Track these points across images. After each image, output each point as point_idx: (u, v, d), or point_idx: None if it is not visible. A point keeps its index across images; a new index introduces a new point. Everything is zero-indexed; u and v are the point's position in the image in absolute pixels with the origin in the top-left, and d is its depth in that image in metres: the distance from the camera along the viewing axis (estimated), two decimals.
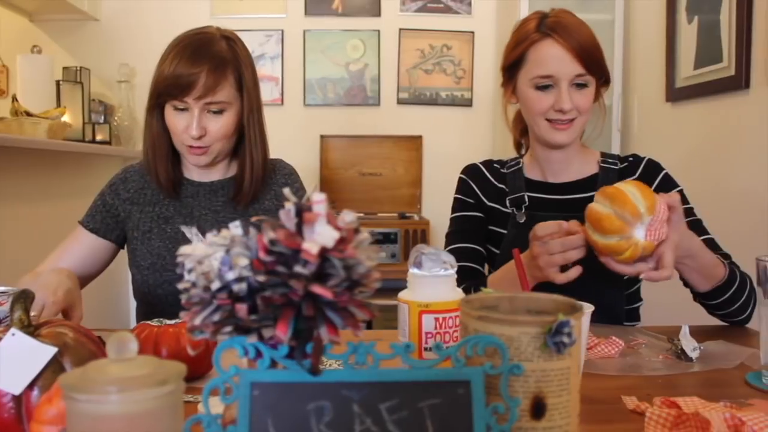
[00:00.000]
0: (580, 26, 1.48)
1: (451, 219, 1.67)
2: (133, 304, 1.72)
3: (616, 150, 3.41)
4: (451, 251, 1.59)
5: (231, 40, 1.58)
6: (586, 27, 1.49)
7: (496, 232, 1.61)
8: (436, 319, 0.88)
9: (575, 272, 1.25)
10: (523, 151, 1.71)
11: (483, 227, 1.63)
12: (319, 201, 0.56)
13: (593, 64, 1.47)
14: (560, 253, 1.24)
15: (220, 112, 1.52)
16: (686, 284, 1.41)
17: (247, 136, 1.59)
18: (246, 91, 1.56)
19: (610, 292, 1.47)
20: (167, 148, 1.60)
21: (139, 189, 1.65)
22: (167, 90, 1.50)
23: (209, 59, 1.49)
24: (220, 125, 1.52)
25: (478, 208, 1.64)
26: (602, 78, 1.53)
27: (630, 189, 1.18)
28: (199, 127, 1.50)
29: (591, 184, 1.57)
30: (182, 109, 1.51)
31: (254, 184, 1.61)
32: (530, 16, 1.54)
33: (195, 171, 1.66)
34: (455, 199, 1.68)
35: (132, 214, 1.62)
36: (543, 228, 1.27)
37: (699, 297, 1.42)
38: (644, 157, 1.60)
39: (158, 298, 1.60)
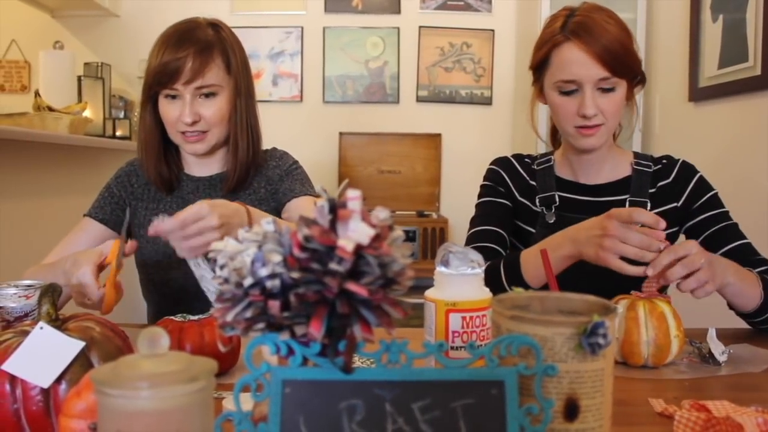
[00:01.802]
0: (607, 26, 1.41)
1: (478, 204, 1.63)
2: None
3: (636, 150, 3.38)
4: (475, 233, 1.56)
5: (217, 26, 1.57)
6: (614, 25, 1.42)
7: (523, 229, 1.58)
8: (463, 318, 0.88)
9: (639, 270, 1.18)
10: (556, 146, 1.67)
11: (509, 216, 1.59)
12: (354, 198, 0.55)
13: (619, 66, 1.40)
14: (636, 248, 1.18)
15: (212, 95, 1.51)
16: (731, 307, 1.38)
17: (232, 122, 1.57)
18: (234, 74, 1.55)
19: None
20: (158, 143, 1.59)
21: (143, 185, 1.64)
22: (157, 79, 1.49)
23: (194, 43, 1.49)
24: (213, 109, 1.52)
25: (508, 198, 1.60)
26: (635, 78, 1.47)
27: (674, 335, 1.15)
28: (191, 113, 1.49)
29: (624, 186, 1.54)
30: (174, 97, 1.51)
31: (239, 170, 1.58)
32: (559, 12, 1.49)
33: (195, 165, 1.64)
34: (483, 186, 1.65)
35: (137, 211, 1.61)
36: (639, 213, 1.20)
37: (747, 318, 1.39)
38: (678, 159, 1.56)
39: (164, 295, 1.60)
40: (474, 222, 1.60)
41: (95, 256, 1.21)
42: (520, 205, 1.59)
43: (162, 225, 1.16)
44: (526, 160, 1.65)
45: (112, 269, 1.20)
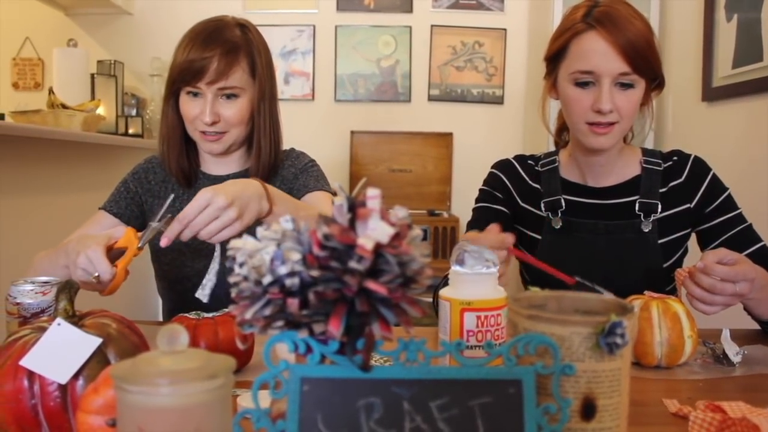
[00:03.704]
0: (632, 19, 1.35)
1: (474, 209, 1.59)
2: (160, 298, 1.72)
3: None
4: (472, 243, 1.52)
5: (245, 27, 1.57)
6: (640, 21, 1.36)
7: (528, 236, 1.53)
8: (478, 317, 0.88)
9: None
10: (561, 145, 1.62)
11: (506, 223, 1.53)
12: (373, 196, 0.55)
13: (641, 62, 1.34)
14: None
15: (233, 96, 1.51)
16: (748, 312, 1.35)
17: (256, 124, 1.57)
18: (258, 77, 1.54)
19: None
20: (180, 138, 1.59)
21: (160, 181, 1.64)
22: (181, 76, 1.49)
23: (221, 44, 1.48)
24: (234, 111, 1.51)
25: (507, 205, 1.56)
26: (655, 80, 1.42)
27: (688, 337, 1.14)
28: (212, 113, 1.49)
29: (634, 187, 1.49)
30: (195, 95, 1.51)
31: (261, 172, 1.58)
32: (581, 3, 1.43)
33: (212, 164, 1.64)
34: (481, 190, 1.60)
35: (154, 208, 1.61)
36: (482, 239, 1.13)
37: (763, 324, 1.36)
38: (690, 155, 1.51)
39: (178, 293, 1.60)
40: (468, 227, 1.57)
41: (105, 238, 1.21)
42: (522, 211, 1.54)
43: (169, 232, 1.17)
44: (530, 162, 1.59)
45: (130, 253, 1.20)
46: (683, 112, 3.25)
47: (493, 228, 1.14)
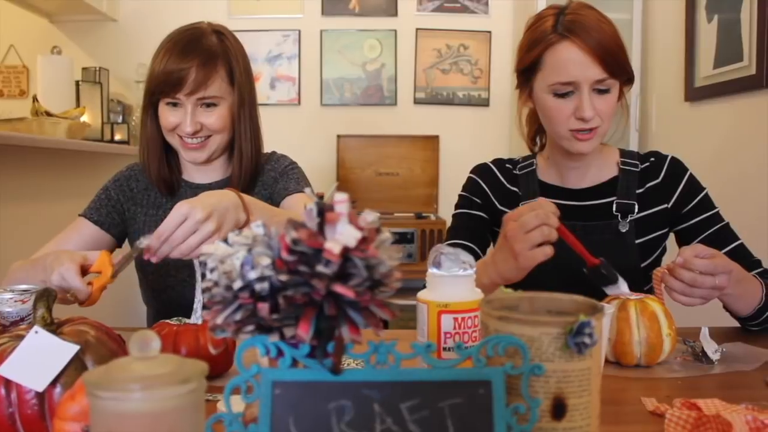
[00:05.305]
0: (601, 23, 1.36)
1: (454, 215, 1.60)
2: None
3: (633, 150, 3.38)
4: (449, 246, 1.52)
5: (221, 34, 1.55)
6: (607, 23, 1.37)
7: None
8: (455, 319, 0.88)
9: (549, 250, 1.16)
10: (536, 149, 1.63)
11: (484, 228, 1.56)
12: (341, 201, 0.56)
13: (616, 66, 1.35)
14: (537, 228, 1.15)
15: (213, 105, 1.50)
16: (726, 309, 1.36)
17: (237, 131, 1.56)
18: (237, 84, 1.54)
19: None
20: (160, 147, 1.58)
21: (143, 189, 1.63)
22: (159, 87, 1.48)
23: (199, 54, 1.47)
24: (214, 119, 1.51)
25: (485, 210, 1.56)
26: (626, 78, 1.42)
27: (666, 336, 1.15)
28: (193, 123, 1.48)
29: (611, 188, 1.50)
30: (175, 105, 1.50)
31: (244, 178, 1.58)
32: (545, 12, 1.43)
33: (194, 172, 1.63)
34: (461, 195, 1.61)
35: (136, 216, 1.60)
36: (516, 210, 1.22)
37: (741, 320, 1.37)
38: (667, 156, 1.52)
39: (163, 302, 1.59)
40: (448, 233, 1.58)
41: (79, 257, 1.20)
42: (500, 214, 1.53)
43: (151, 248, 1.17)
44: (507, 165, 1.60)
45: (105, 277, 1.18)
46: (666, 112, 3.27)
47: (542, 200, 1.22)
